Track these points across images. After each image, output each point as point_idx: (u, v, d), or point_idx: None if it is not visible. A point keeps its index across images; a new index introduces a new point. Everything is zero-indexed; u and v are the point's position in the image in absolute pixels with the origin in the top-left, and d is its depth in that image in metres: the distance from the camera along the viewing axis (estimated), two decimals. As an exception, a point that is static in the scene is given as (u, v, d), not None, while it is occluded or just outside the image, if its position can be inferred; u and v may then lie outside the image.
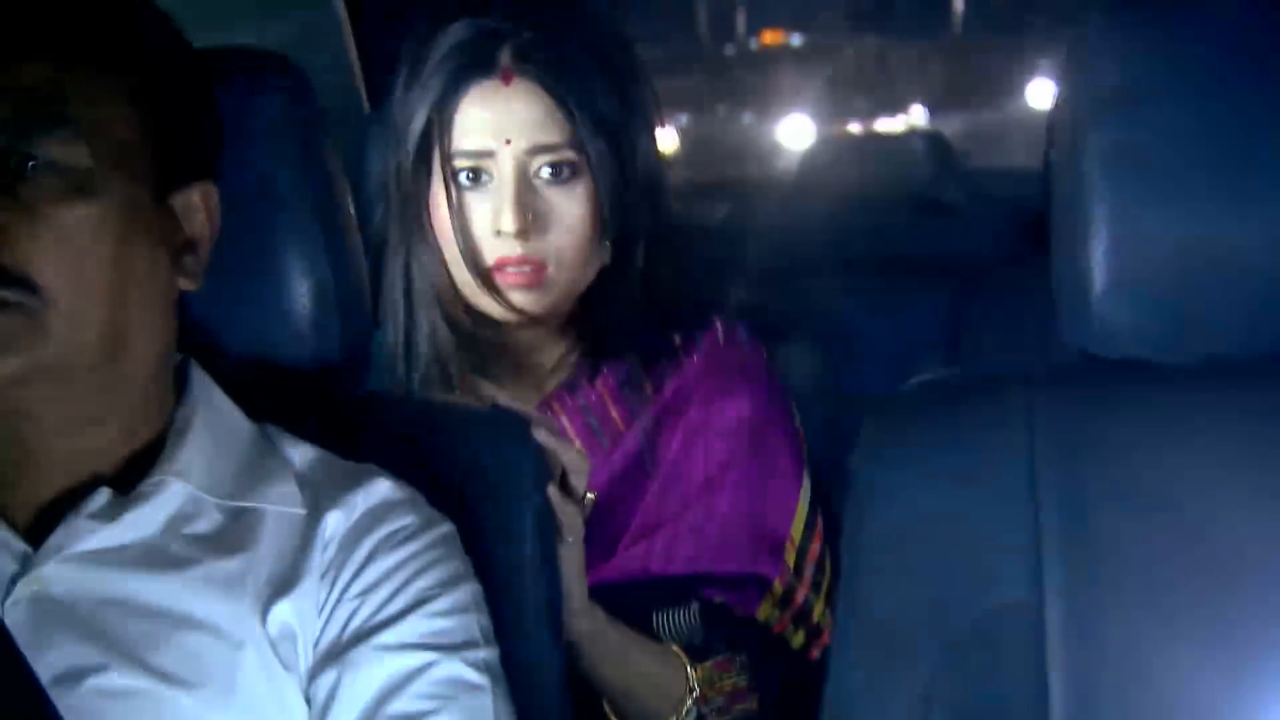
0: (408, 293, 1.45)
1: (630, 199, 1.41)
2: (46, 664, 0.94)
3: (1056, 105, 1.09)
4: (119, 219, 0.99)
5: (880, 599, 1.07)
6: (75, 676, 0.96)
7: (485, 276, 1.40)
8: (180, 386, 1.10)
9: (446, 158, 1.40)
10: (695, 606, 1.43)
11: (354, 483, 1.08)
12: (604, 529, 1.43)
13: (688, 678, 1.40)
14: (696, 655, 1.42)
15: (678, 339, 1.50)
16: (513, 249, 1.38)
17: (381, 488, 1.08)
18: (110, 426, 1.04)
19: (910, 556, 1.07)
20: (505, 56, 1.37)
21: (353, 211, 1.25)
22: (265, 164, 1.17)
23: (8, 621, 0.94)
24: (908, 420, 1.12)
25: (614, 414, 1.49)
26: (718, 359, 1.50)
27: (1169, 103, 1.02)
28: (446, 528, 1.09)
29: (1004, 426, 1.08)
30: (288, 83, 1.19)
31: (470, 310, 1.44)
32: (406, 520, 1.07)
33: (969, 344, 2.20)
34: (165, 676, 0.98)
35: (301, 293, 1.17)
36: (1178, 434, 1.06)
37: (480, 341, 1.46)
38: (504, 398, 1.45)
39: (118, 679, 0.97)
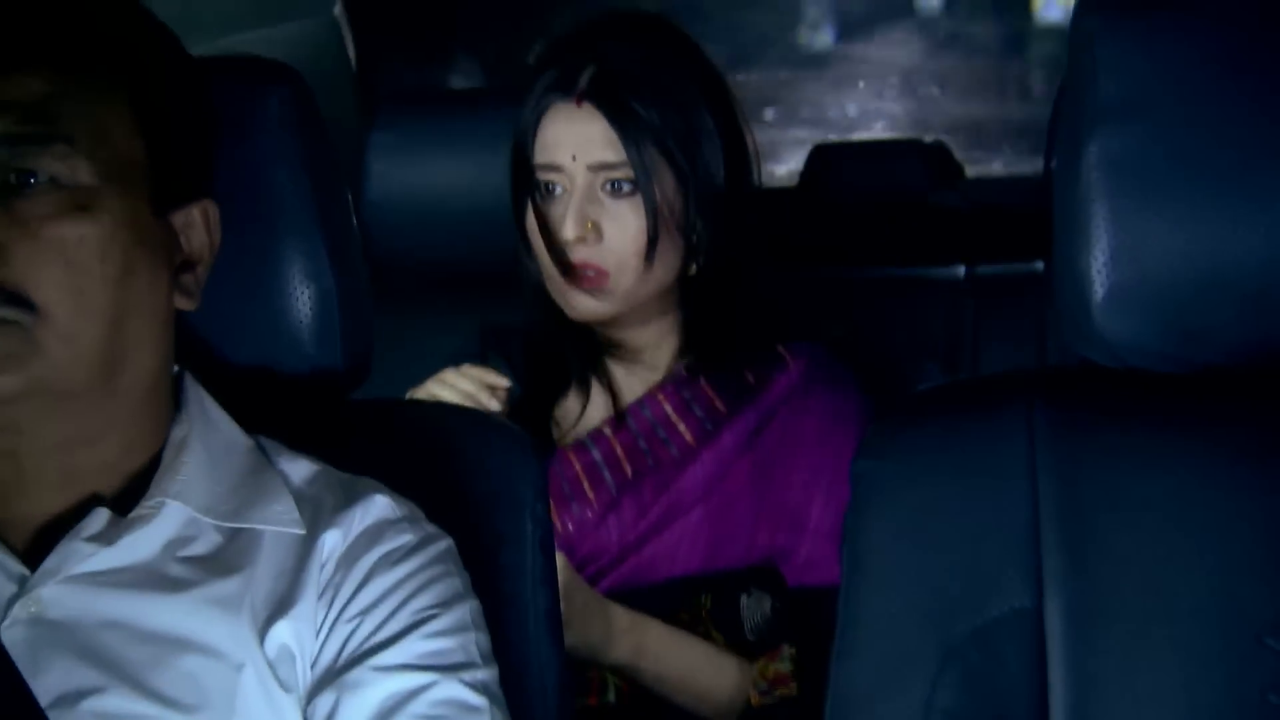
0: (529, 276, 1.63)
1: (694, 213, 1.55)
2: (44, 686, 0.93)
3: (1059, 113, 1.09)
4: (120, 237, 0.98)
5: (881, 605, 1.07)
6: (73, 699, 0.96)
7: (557, 280, 1.56)
8: (176, 400, 1.09)
9: (530, 170, 1.57)
10: (770, 603, 1.55)
11: (351, 500, 1.07)
12: (706, 504, 1.57)
13: (747, 672, 1.54)
14: (762, 646, 1.54)
15: (781, 348, 1.64)
16: (576, 254, 1.54)
17: (379, 505, 1.07)
18: (106, 445, 1.03)
19: (911, 562, 1.07)
20: (582, 81, 1.54)
21: (354, 219, 1.25)
22: (266, 171, 1.17)
23: (5, 643, 0.94)
24: (909, 426, 1.12)
25: (718, 404, 1.61)
26: (815, 369, 1.64)
27: (1171, 112, 1.02)
28: (445, 544, 1.08)
29: (1004, 433, 1.08)
30: (288, 90, 1.19)
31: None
32: (404, 538, 1.06)
33: (969, 351, 2.20)
34: (164, 699, 0.97)
35: (303, 300, 1.17)
36: (1178, 441, 1.06)
37: (595, 335, 1.63)
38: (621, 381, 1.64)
39: (116, 701, 0.96)
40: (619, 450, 1.60)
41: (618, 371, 1.64)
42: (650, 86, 1.53)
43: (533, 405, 1.63)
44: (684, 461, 1.58)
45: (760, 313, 1.65)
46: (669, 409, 1.61)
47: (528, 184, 1.58)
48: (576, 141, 1.54)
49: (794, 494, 1.58)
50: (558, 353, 1.65)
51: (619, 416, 1.61)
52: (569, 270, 1.54)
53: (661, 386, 1.62)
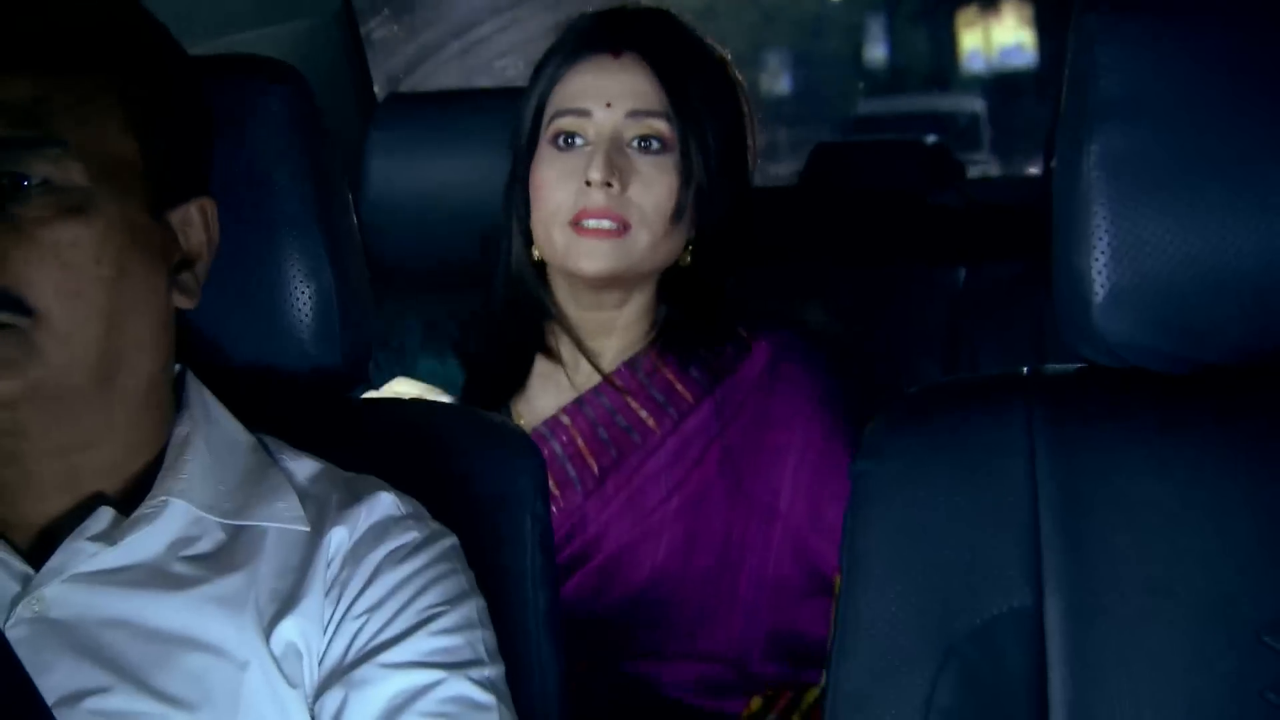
0: (511, 253, 1.62)
1: (712, 186, 1.54)
2: (48, 686, 0.91)
3: (1058, 113, 1.09)
4: (115, 238, 0.97)
5: (881, 604, 1.07)
6: (77, 698, 0.96)
7: (563, 236, 1.53)
8: (178, 399, 1.09)
9: (551, 119, 1.56)
10: None
11: (357, 497, 1.07)
12: (681, 494, 1.56)
13: None
14: None
15: (744, 331, 1.62)
16: (595, 200, 1.51)
17: (385, 502, 1.07)
18: (108, 446, 1.02)
19: (911, 561, 1.07)
20: (618, 36, 1.55)
21: (354, 217, 1.25)
22: (266, 170, 1.17)
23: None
24: (909, 425, 1.12)
25: (680, 389, 1.59)
26: (781, 353, 1.62)
27: (1170, 112, 1.02)
28: (450, 541, 1.09)
29: (1004, 432, 1.08)
30: (288, 88, 1.19)
31: (553, 281, 1.59)
32: (410, 536, 1.06)
33: (968, 350, 2.20)
34: (169, 698, 0.97)
35: (303, 299, 1.17)
36: (1178, 440, 1.06)
37: (558, 308, 1.61)
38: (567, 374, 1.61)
39: (120, 701, 0.96)
40: (580, 442, 1.58)
41: (577, 357, 1.62)
42: (684, 55, 1.55)
43: (490, 396, 1.61)
44: (647, 454, 1.57)
45: (733, 302, 1.65)
46: (626, 395, 1.59)
47: (538, 138, 1.57)
48: (612, 89, 1.53)
49: (762, 480, 1.57)
50: (516, 341, 1.63)
51: (576, 403, 1.60)
52: (579, 219, 1.52)
53: (617, 373, 1.61)
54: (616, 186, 1.51)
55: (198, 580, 1.01)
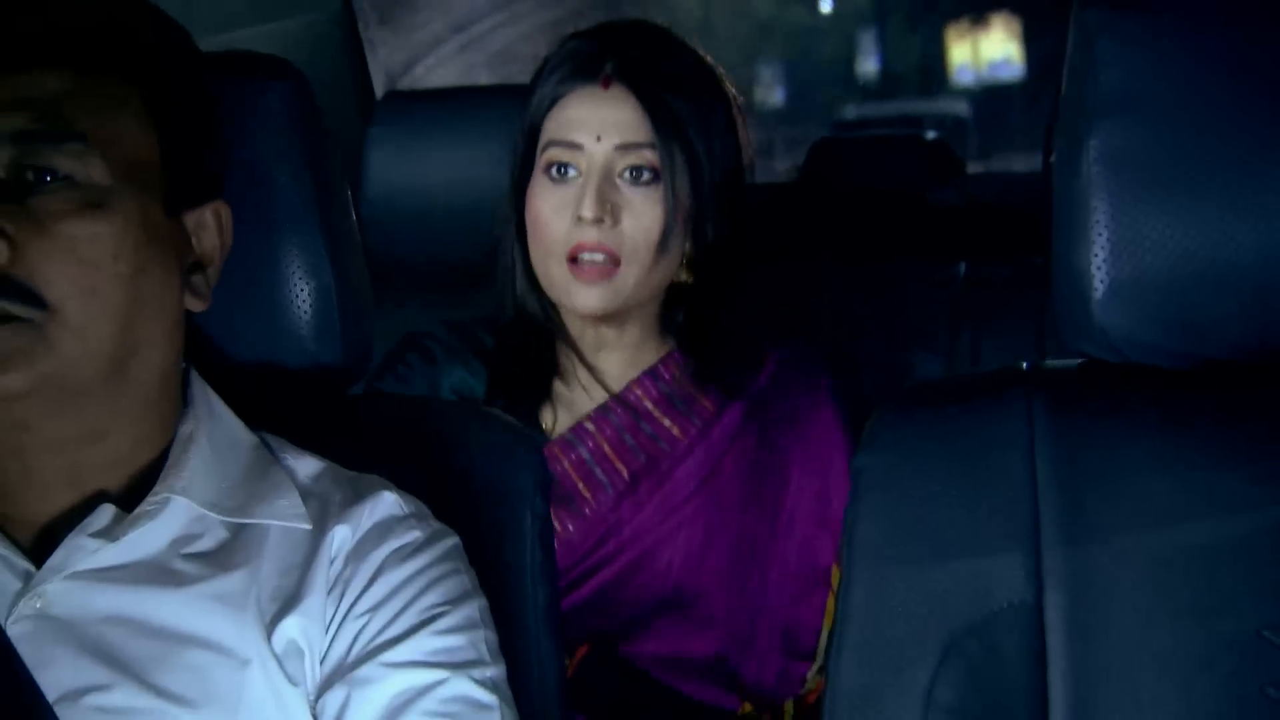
0: (512, 266, 1.63)
1: (704, 212, 1.56)
2: (49, 683, 0.91)
3: (1058, 109, 1.09)
4: (134, 235, 0.98)
5: (881, 599, 1.07)
6: (78, 695, 0.96)
7: (558, 271, 1.55)
8: (183, 397, 1.09)
9: (544, 148, 1.57)
10: None
11: (359, 496, 1.07)
12: (691, 501, 1.59)
13: None
14: None
15: (753, 345, 1.65)
16: (589, 235, 1.53)
17: (387, 501, 1.07)
18: (114, 442, 1.03)
19: (910, 554, 1.07)
20: (608, 67, 1.55)
21: (353, 214, 1.25)
22: (266, 167, 1.17)
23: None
24: (908, 419, 1.12)
25: (700, 399, 1.62)
26: (790, 360, 1.66)
27: (1170, 107, 1.03)
28: (452, 541, 1.09)
29: (1004, 428, 1.08)
30: (288, 86, 1.19)
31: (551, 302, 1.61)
32: (413, 535, 1.06)
33: (968, 346, 2.20)
34: (170, 695, 0.97)
35: (303, 296, 1.17)
36: (1178, 436, 1.06)
37: (572, 333, 1.63)
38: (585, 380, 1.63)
39: (121, 698, 0.96)
40: (606, 448, 1.60)
41: (596, 368, 1.64)
42: (673, 78, 1.55)
43: (512, 405, 1.62)
44: (677, 460, 1.59)
45: (749, 309, 1.66)
46: (649, 403, 1.62)
47: (533, 167, 1.58)
48: (601, 122, 1.54)
49: (772, 482, 1.60)
50: (532, 355, 1.64)
51: (601, 410, 1.61)
52: (574, 254, 1.54)
53: (638, 381, 1.63)
54: (608, 221, 1.53)
55: (199, 578, 1.01)
